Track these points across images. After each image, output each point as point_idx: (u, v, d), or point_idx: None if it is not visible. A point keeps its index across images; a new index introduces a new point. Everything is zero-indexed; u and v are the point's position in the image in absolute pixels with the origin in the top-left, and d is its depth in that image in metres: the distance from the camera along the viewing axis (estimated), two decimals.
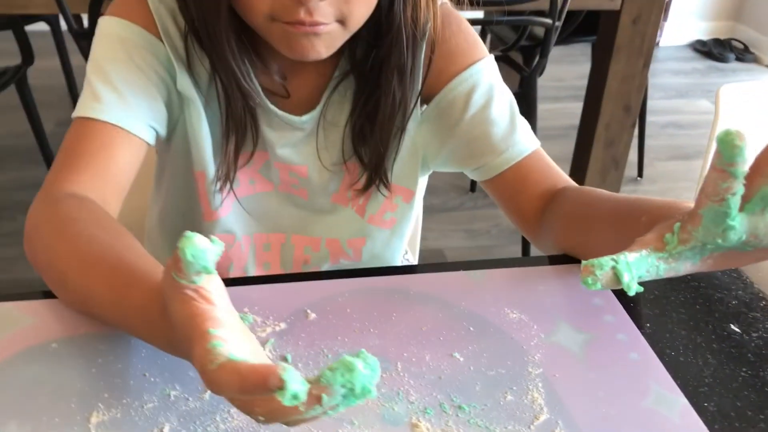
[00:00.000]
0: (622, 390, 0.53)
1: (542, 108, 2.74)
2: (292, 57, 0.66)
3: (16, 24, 2.00)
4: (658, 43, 3.70)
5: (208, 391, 0.50)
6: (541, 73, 2.00)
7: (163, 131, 0.72)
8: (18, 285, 1.92)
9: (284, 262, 0.84)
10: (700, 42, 3.79)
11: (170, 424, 0.48)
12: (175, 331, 0.43)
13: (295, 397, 0.36)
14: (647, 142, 2.64)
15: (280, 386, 0.35)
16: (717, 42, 3.75)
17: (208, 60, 0.70)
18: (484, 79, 0.76)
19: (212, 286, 0.42)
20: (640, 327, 0.59)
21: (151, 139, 0.70)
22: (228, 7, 0.65)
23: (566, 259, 0.68)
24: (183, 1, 0.69)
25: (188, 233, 0.41)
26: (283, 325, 0.57)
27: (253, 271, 0.83)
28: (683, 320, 0.61)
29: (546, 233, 0.73)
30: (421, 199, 0.88)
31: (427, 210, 2.15)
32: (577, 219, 0.69)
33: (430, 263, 0.70)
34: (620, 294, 0.63)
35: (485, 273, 0.65)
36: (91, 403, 0.49)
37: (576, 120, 2.25)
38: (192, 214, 0.79)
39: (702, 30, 3.84)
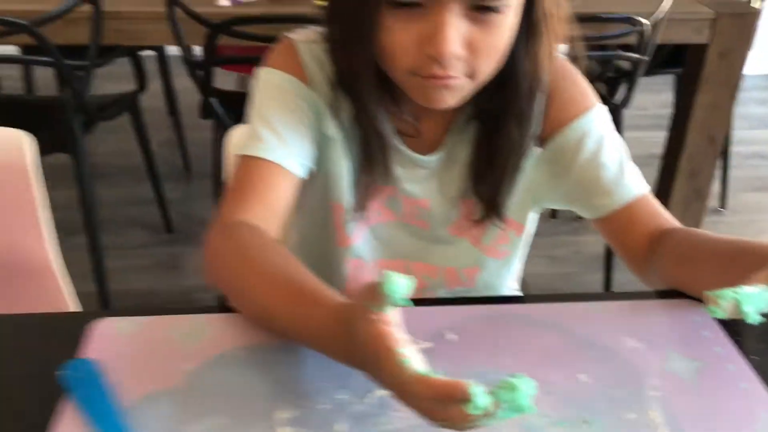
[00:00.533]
0: (735, 414, 0.59)
1: (624, 136, 2.76)
2: (425, 105, 0.75)
3: (133, 53, 2.18)
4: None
5: (373, 396, 0.59)
6: (627, 105, 2.05)
7: (312, 167, 0.82)
8: (127, 295, 2.07)
9: None
10: None
11: (343, 423, 0.57)
12: (358, 346, 0.52)
13: (480, 408, 0.44)
14: (731, 173, 2.63)
15: (467, 399, 0.44)
16: None
17: (351, 105, 0.80)
18: (596, 127, 0.83)
19: (391, 311, 0.51)
20: (746, 359, 0.65)
21: (304, 174, 0.80)
22: (374, 62, 0.74)
23: (673, 293, 0.75)
24: (333, 53, 0.79)
25: (388, 272, 0.50)
26: (428, 345, 0.66)
27: None
28: None
29: (654, 270, 0.80)
30: (532, 233, 0.96)
31: None
32: (687, 258, 0.75)
33: (549, 294, 0.77)
34: (726, 329, 0.69)
35: (600, 304, 0.73)
36: (273, 404, 0.59)
37: (657, 149, 2.27)
38: (327, 242, 0.89)
39: None
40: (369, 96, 0.77)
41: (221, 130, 1.93)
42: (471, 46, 0.69)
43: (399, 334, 0.50)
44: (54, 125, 1.91)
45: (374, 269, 0.91)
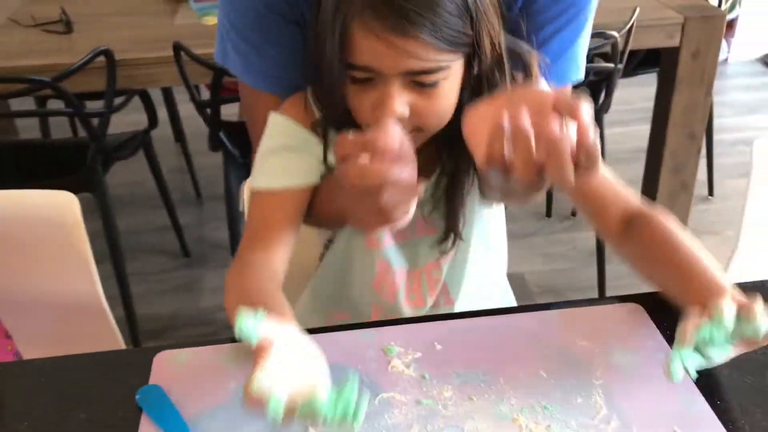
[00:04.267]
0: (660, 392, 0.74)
1: (611, 132, 2.89)
2: None
3: (144, 93, 2.34)
4: (726, 60, 3.78)
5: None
6: (606, 111, 2.18)
7: None
8: (152, 318, 2.22)
9: None
10: None
11: None
12: None
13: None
14: (718, 159, 2.74)
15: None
16: None
17: None
18: None
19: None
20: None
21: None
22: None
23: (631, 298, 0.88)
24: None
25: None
26: (418, 354, 0.81)
27: None
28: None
29: (624, 253, 0.89)
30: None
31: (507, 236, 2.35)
32: (648, 259, 0.85)
33: (525, 305, 0.92)
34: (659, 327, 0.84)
35: (564, 311, 0.87)
36: None
37: (643, 143, 2.39)
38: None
39: None
40: None
41: (231, 159, 2.09)
42: (415, 110, 0.77)
43: None
44: (72, 167, 2.05)
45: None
